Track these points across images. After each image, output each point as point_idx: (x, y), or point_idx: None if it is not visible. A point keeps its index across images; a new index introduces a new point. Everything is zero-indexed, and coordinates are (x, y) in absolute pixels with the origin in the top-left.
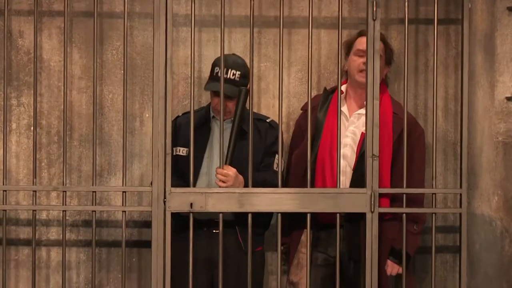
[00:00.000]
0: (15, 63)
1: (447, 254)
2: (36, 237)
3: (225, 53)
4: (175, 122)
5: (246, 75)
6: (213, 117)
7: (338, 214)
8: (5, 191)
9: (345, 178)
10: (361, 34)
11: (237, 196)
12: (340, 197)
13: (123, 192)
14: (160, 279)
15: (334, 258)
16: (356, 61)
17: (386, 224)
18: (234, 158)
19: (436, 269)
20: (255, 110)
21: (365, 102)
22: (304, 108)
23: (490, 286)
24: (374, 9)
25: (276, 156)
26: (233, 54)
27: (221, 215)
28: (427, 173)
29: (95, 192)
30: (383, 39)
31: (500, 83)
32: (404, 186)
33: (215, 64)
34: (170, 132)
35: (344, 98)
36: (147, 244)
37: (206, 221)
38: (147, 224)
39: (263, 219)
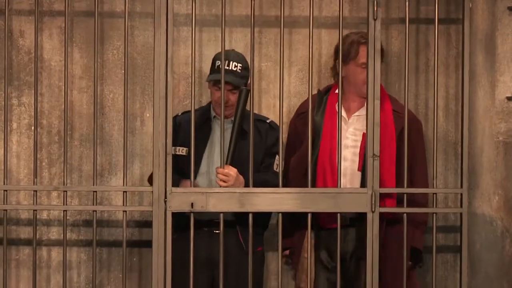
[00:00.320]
0: (16, 63)
1: (448, 254)
2: (37, 237)
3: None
4: (174, 120)
5: (247, 68)
6: (214, 116)
7: (338, 214)
8: (6, 190)
9: (345, 180)
10: (364, 41)
11: (238, 196)
12: (341, 197)
13: (123, 192)
14: (160, 279)
15: (343, 261)
16: (358, 75)
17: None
18: (235, 158)
19: (437, 269)
20: (255, 110)
21: (364, 103)
22: (299, 111)
23: (490, 286)
24: (375, 9)
25: (277, 157)
26: (233, 50)
27: (221, 215)
28: (428, 173)
29: (95, 192)
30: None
31: (500, 82)
32: (405, 185)
33: (216, 58)
34: (171, 132)
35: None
36: (148, 244)
37: (207, 221)
38: (148, 224)
39: (262, 219)
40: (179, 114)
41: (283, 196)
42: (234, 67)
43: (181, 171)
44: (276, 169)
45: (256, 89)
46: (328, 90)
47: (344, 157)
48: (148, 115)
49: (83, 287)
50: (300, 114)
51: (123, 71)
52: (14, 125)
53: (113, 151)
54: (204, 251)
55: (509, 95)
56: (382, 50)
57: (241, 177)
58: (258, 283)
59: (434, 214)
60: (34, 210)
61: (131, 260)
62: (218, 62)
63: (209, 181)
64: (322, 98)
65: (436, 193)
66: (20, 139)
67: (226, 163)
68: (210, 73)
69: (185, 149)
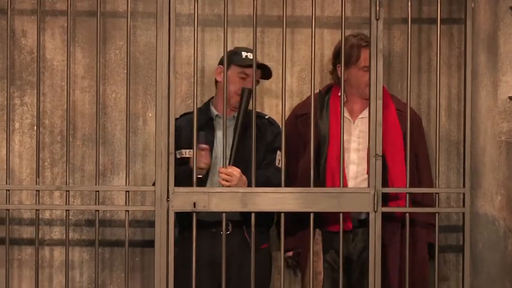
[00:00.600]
0: (18, 63)
1: (450, 254)
2: (39, 236)
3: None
4: (174, 123)
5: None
6: (216, 115)
7: (341, 214)
8: (8, 190)
9: (355, 183)
10: (365, 44)
11: (240, 195)
12: (343, 197)
13: (126, 191)
14: (163, 279)
15: (350, 262)
16: (360, 78)
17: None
18: (237, 157)
19: (439, 269)
20: (258, 110)
21: (367, 104)
22: (300, 112)
23: (493, 286)
24: (377, 9)
25: (278, 152)
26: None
27: (224, 214)
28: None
29: (98, 191)
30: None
31: (503, 82)
32: (407, 185)
33: (236, 52)
34: (173, 132)
35: (344, 102)
36: (150, 243)
37: (213, 222)
38: (150, 224)
39: (265, 217)
40: (177, 117)
41: (285, 196)
42: (251, 57)
43: (190, 173)
44: (278, 164)
45: (258, 89)
46: (328, 89)
47: (352, 161)
48: (150, 114)
49: (85, 287)
50: (303, 115)
51: (125, 71)
52: (17, 125)
53: (116, 150)
54: (212, 252)
55: (511, 94)
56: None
57: (244, 177)
58: (265, 280)
59: (437, 214)
60: (36, 210)
61: (134, 260)
62: (244, 54)
63: (213, 181)
64: (324, 98)
65: (438, 193)
66: (23, 139)
67: (229, 163)
68: (234, 62)
69: (191, 151)
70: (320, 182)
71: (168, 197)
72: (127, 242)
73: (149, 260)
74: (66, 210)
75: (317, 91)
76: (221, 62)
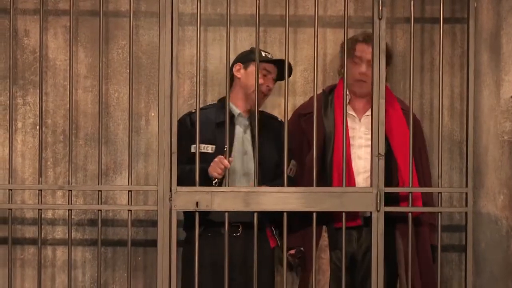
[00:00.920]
0: (21, 62)
1: (453, 253)
2: (42, 236)
3: (230, 51)
4: (189, 117)
5: None
6: (239, 114)
7: (344, 213)
8: (11, 190)
9: (360, 179)
10: (362, 39)
11: (243, 195)
12: (346, 196)
13: (128, 191)
14: (165, 278)
15: (354, 261)
16: (351, 69)
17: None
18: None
19: (442, 268)
20: (261, 109)
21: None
22: (304, 112)
23: (495, 285)
24: (380, 8)
25: (292, 161)
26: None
27: (226, 214)
28: (432, 173)
29: (100, 191)
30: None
31: (506, 82)
32: (410, 185)
33: (253, 51)
34: (175, 131)
35: (349, 100)
36: (153, 243)
37: (222, 222)
38: (153, 223)
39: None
40: (193, 111)
41: (288, 196)
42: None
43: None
44: (290, 173)
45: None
46: (332, 89)
47: (359, 156)
48: (153, 114)
49: (88, 287)
50: (306, 115)
51: (128, 71)
52: (19, 125)
53: (118, 150)
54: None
55: None
56: (391, 55)
57: None
58: (272, 279)
59: (439, 213)
60: (39, 210)
61: (136, 259)
62: (264, 53)
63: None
64: (327, 98)
65: (441, 192)
66: (25, 139)
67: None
68: (254, 59)
69: (210, 146)
70: (326, 177)
71: (171, 196)
72: (130, 242)
73: (152, 259)
74: (68, 210)
75: (319, 90)
76: (239, 60)
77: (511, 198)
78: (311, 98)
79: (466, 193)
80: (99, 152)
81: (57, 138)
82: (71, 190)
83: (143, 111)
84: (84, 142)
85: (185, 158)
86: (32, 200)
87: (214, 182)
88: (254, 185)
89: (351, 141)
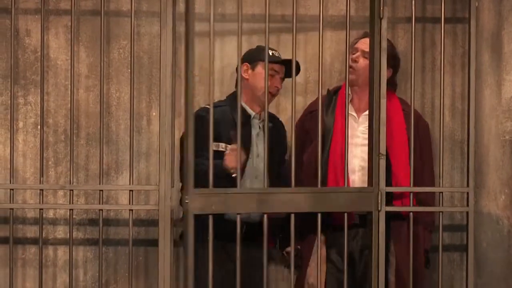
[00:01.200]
0: (22, 62)
1: (454, 253)
2: (43, 235)
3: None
4: (207, 113)
5: None
6: (254, 116)
7: (346, 214)
8: (12, 189)
9: (355, 177)
10: (363, 35)
11: (256, 196)
12: (346, 196)
13: (130, 191)
14: (167, 278)
15: (352, 261)
16: (348, 60)
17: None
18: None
19: (443, 268)
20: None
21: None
22: (309, 110)
23: (497, 285)
24: (381, 8)
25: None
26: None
27: (238, 216)
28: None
29: (102, 190)
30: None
31: (507, 81)
32: (411, 184)
33: (261, 50)
34: (173, 132)
35: (351, 100)
36: (154, 242)
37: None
38: (154, 223)
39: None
40: (207, 106)
41: (296, 196)
42: (277, 54)
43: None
44: None
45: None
46: (337, 90)
47: (355, 155)
48: (154, 114)
49: (89, 286)
50: (311, 112)
51: (129, 70)
52: (20, 124)
53: (120, 150)
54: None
55: None
56: (399, 61)
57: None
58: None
59: (441, 213)
60: (40, 209)
61: (137, 259)
62: (271, 51)
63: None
64: (332, 97)
65: (442, 192)
66: (26, 138)
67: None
68: (263, 59)
69: (229, 145)
70: (322, 175)
71: (186, 199)
72: (131, 242)
73: (153, 259)
74: (70, 209)
75: (324, 91)
76: (245, 60)
77: None
78: (316, 100)
79: (467, 193)
80: (100, 152)
81: (59, 138)
82: (72, 190)
83: (144, 110)
84: (86, 142)
85: (206, 153)
86: (33, 200)
87: (233, 174)
88: (264, 187)
89: (349, 140)
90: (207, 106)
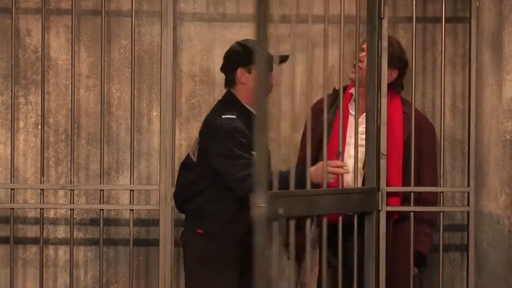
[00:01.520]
0: (23, 62)
1: (455, 253)
2: (44, 235)
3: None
4: (235, 122)
5: None
6: None
7: (345, 214)
8: (13, 189)
9: (350, 178)
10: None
11: (306, 198)
12: (346, 196)
13: (130, 190)
14: (167, 277)
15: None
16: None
17: (404, 226)
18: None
19: (443, 268)
20: None
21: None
22: (315, 107)
23: (497, 285)
24: (382, 8)
25: None
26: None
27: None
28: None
29: (102, 190)
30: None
31: (507, 81)
32: (412, 184)
33: (248, 51)
34: (174, 132)
35: (353, 99)
36: (155, 242)
37: None
38: (155, 223)
39: None
40: (230, 116)
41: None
42: None
43: None
44: None
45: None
46: (344, 88)
47: (350, 155)
48: (155, 113)
49: (90, 286)
50: (315, 111)
51: (130, 70)
52: (21, 124)
53: (120, 149)
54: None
55: None
56: (406, 63)
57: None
58: None
59: (441, 213)
60: (41, 209)
61: (138, 259)
62: (253, 43)
63: None
64: (337, 96)
65: (443, 192)
66: (27, 138)
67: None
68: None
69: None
70: None
71: (262, 203)
72: (132, 241)
73: (154, 259)
74: (70, 209)
75: (320, 90)
76: (239, 65)
77: None
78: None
79: (468, 193)
80: (101, 152)
81: (59, 138)
82: (73, 190)
83: (145, 110)
84: (86, 142)
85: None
86: (34, 200)
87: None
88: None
89: (347, 140)
90: (225, 116)
